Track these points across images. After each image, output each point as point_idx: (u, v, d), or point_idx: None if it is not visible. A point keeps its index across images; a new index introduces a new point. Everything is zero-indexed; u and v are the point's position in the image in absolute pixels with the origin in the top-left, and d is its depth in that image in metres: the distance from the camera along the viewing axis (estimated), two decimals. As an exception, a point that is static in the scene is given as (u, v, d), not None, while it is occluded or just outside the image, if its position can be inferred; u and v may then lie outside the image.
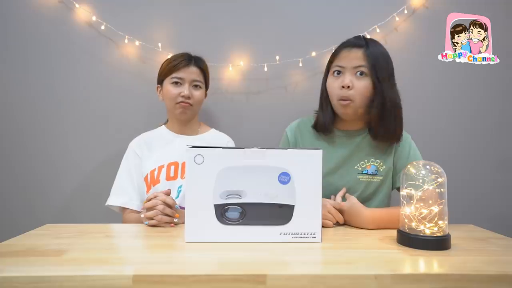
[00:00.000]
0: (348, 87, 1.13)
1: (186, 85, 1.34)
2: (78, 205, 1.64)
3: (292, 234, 0.89)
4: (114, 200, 1.30)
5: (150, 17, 1.64)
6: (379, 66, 1.13)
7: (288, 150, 0.89)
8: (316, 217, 0.89)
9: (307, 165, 0.88)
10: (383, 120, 1.16)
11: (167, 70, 1.35)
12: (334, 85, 1.17)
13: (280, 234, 0.89)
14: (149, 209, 1.05)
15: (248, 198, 0.88)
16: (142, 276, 0.67)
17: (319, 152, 0.88)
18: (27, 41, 1.61)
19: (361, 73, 1.13)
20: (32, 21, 1.61)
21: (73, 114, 1.64)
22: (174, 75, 1.34)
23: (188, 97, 1.33)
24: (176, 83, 1.34)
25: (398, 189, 1.21)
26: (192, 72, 1.35)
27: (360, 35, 1.22)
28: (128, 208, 1.30)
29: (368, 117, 1.19)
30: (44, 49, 1.62)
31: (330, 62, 1.21)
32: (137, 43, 1.61)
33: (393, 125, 1.17)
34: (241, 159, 0.88)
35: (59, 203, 1.64)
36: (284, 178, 0.88)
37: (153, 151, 1.37)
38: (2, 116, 1.62)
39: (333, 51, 1.22)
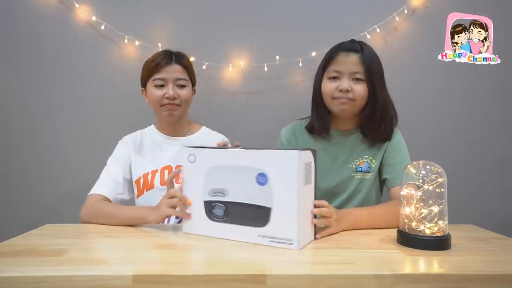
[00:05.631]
0: (347, 91, 1.15)
1: (170, 85, 1.26)
2: (76, 205, 1.63)
3: (269, 237, 0.85)
4: (103, 189, 1.20)
5: (150, 17, 1.64)
6: (373, 70, 1.16)
7: (264, 150, 0.85)
8: (292, 222, 0.82)
9: (282, 166, 0.83)
10: (373, 121, 1.19)
11: (148, 71, 1.28)
12: (330, 86, 1.17)
13: (259, 236, 0.86)
14: (170, 197, 0.98)
15: (231, 197, 0.89)
16: (142, 276, 0.67)
17: (295, 153, 0.82)
18: (26, 41, 1.61)
19: (357, 79, 1.16)
20: (32, 21, 1.61)
21: (73, 114, 1.63)
22: (155, 76, 1.26)
23: (174, 98, 1.26)
24: (159, 85, 1.27)
25: (384, 181, 1.22)
26: (174, 71, 1.27)
27: (354, 39, 1.23)
28: (109, 198, 1.20)
29: (360, 117, 1.21)
30: (44, 49, 1.62)
31: (325, 65, 1.21)
32: (137, 43, 1.61)
33: (382, 126, 1.20)
34: (225, 159, 0.90)
35: (57, 203, 1.64)
36: (262, 179, 0.85)
37: (144, 153, 1.33)
38: (1, 116, 1.62)
39: (327, 53, 1.21)
